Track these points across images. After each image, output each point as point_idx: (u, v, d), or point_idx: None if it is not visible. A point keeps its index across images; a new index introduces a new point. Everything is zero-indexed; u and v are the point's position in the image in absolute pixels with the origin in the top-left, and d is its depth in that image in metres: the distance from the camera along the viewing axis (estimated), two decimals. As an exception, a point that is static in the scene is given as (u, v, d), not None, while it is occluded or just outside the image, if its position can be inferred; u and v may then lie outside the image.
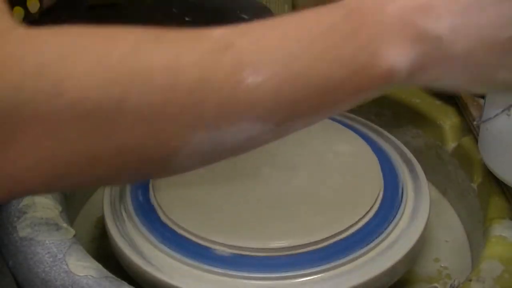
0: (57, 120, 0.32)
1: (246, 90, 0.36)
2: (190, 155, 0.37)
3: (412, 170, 0.75)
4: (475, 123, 0.77)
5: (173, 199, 0.68)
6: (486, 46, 0.38)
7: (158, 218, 0.66)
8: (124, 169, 0.36)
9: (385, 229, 0.65)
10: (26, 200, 0.65)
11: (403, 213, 0.68)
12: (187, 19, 0.98)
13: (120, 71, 0.34)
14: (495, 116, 0.63)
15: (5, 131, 0.32)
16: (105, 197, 0.71)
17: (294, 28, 0.38)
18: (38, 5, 0.62)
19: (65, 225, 0.64)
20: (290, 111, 0.38)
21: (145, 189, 0.70)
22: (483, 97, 0.70)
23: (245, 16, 1.01)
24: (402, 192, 0.70)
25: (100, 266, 0.59)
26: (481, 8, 0.38)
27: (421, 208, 0.69)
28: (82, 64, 0.33)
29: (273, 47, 0.37)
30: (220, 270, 0.61)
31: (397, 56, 0.37)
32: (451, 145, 0.83)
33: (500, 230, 0.66)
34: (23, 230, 0.62)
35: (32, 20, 0.63)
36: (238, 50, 0.36)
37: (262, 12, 1.03)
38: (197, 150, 0.36)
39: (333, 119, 0.81)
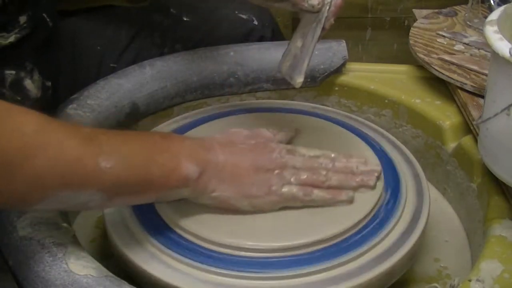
0: None
1: (98, 170, 0.55)
2: (45, 204, 0.55)
3: (412, 170, 0.75)
4: (475, 123, 0.77)
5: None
6: (242, 171, 0.64)
7: (158, 217, 0.66)
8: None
9: (385, 229, 0.65)
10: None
11: (403, 213, 0.68)
12: (185, 19, 0.98)
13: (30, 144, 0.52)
14: (495, 116, 0.63)
15: None
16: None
17: (134, 139, 0.61)
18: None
19: (65, 224, 0.64)
20: (120, 189, 0.57)
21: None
22: (483, 97, 0.70)
23: (243, 16, 1.01)
24: (402, 192, 0.70)
25: (100, 265, 0.59)
26: (241, 153, 0.65)
27: (421, 208, 0.69)
28: None
29: (121, 146, 0.58)
30: (219, 270, 0.61)
31: (190, 167, 0.60)
32: (450, 145, 0.83)
33: (500, 230, 0.66)
34: (23, 229, 0.62)
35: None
36: (99, 142, 0.56)
37: (259, 12, 1.03)
38: (50, 203, 0.55)
39: (334, 120, 0.81)
